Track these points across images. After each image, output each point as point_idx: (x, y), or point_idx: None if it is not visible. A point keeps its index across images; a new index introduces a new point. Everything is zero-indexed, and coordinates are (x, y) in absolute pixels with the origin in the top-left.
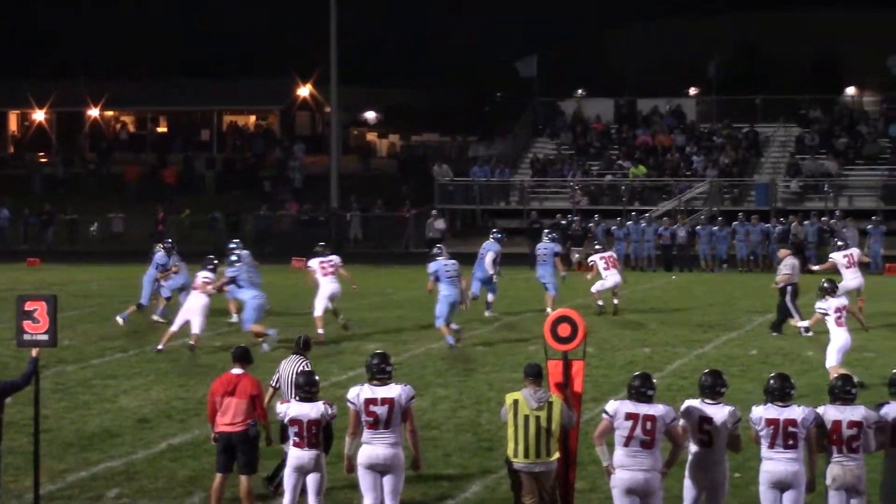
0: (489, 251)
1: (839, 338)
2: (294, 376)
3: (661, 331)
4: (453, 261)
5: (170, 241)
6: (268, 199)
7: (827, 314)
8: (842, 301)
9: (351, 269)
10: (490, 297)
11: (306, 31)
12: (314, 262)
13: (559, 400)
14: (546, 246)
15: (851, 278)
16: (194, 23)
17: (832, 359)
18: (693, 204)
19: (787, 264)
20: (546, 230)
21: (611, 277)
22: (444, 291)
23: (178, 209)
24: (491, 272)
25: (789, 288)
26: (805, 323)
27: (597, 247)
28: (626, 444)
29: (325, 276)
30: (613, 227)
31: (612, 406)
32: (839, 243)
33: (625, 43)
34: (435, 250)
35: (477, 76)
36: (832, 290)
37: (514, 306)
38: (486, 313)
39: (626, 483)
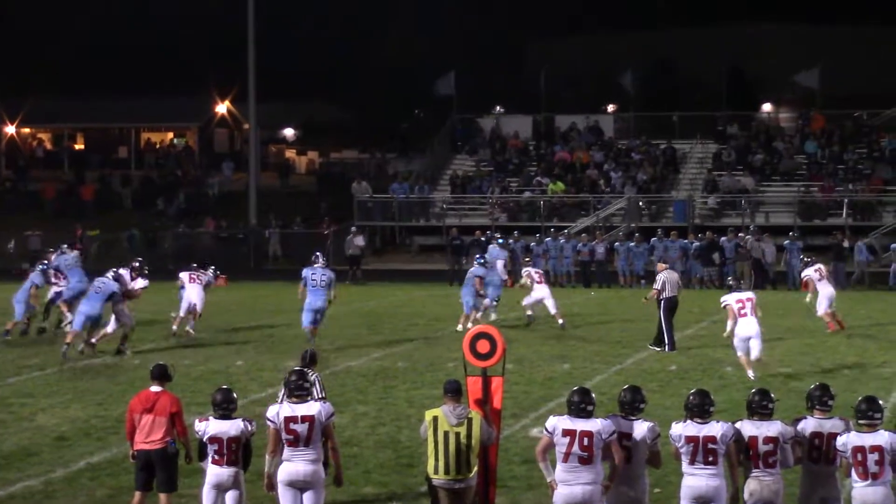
0: (498, 259)
1: (741, 328)
2: None
3: (581, 347)
4: (325, 270)
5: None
6: (161, 217)
7: (727, 305)
8: (745, 294)
9: (270, 286)
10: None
11: (224, 47)
12: (184, 275)
13: (479, 416)
14: (472, 271)
15: (827, 287)
16: (111, 39)
17: (740, 348)
18: (611, 220)
19: (658, 279)
20: (477, 255)
21: (539, 290)
22: (308, 298)
23: (95, 226)
24: (504, 278)
25: (663, 303)
26: (667, 347)
27: (525, 260)
28: (565, 461)
29: (191, 283)
30: (532, 244)
31: (551, 422)
32: (806, 260)
33: (542, 60)
34: (313, 257)
35: (395, 93)
36: (736, 288)
37: (433, 323)
38: (491, 315)
39: (565, 498)
